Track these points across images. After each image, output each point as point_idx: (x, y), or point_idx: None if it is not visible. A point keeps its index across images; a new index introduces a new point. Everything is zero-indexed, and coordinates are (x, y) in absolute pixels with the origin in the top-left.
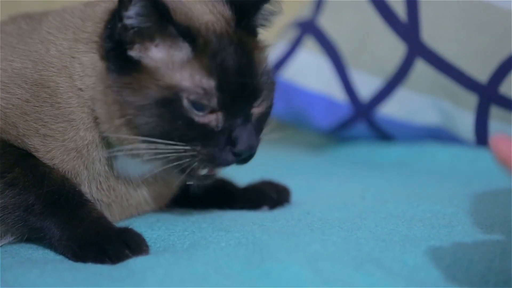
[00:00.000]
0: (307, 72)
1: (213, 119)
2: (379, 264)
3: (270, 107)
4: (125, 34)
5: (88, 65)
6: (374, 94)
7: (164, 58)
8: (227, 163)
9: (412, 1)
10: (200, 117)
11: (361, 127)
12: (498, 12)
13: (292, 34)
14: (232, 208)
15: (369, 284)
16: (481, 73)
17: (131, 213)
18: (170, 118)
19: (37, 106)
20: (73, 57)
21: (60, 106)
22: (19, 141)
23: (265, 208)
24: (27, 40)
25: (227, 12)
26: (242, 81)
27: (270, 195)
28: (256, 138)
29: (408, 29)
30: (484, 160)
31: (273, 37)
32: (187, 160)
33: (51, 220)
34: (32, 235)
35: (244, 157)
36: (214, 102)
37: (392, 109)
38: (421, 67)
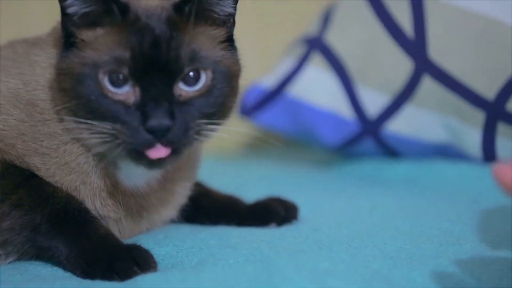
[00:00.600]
0: (314, 89)
1: (128, 96)
2: (387, 281)
3: (217, 97)
4: (70, 23)
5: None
6: (381, 110)
7: (88, 37)
8: (146, 142)
9: (419, 17)
10: (114, 94)
11: (368, 144)
12: (506, 29)
13: (299, 51)
14: (240, 224)
15: None
16: (488, 90)
17: (141, 227)
18: (86, 94)
19: (32, 126)
20: (51, 68)
21: (49, 124)
22: (20, 161)
23: (273, 225)
24: (20, 63)
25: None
26: (156, 55)
27: (277, 212)
28: (183, 119)
29: (415, 46)
30: (492, 177)
31: (280, 53)
32: (111, 140)
33: (58, 238)
34: (40, 255)
35: (160, 134)
36: (125, 70)
37: (399, 125)
38: (428, 84)
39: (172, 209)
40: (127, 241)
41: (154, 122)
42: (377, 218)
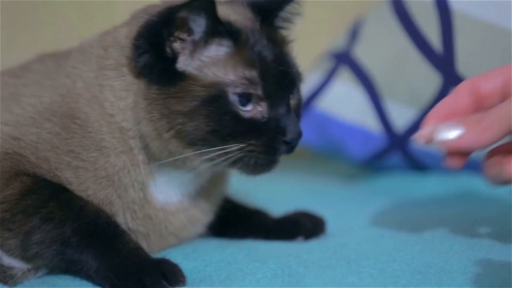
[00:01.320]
0: (342, 103)
1: (258, 112)
2: None
3: (301, 100)
4: (175, 49)
5: (120, 88)
6: (409, 124)
7: (209, 57)
8: (282, 152)
9: (447, 32)
10: (246, 112)
11: (396, 158)
12: None
13: (327, 65)
14: (267, 238)
15: None
16: None
17: (170, 242)
18: (217, 116)
19: (67, 139)
20: (101, 85)
21: (91, 136)
22: (51, 174)
23: (300, 238)
24: (53, 76)
25: (249, 13)
26: (281, 69)
27: (305, 226)
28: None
29: (443, 60)
30: None
31: (308, 68)
32: (246, 157)
33: (88, 252)
34: (69, 268)
35: (294, 145)
36: (260, 90)
37: None
38: None
39: (200, 226)
40: (156, 255)
41: (293, 134)
42: (405, 232)
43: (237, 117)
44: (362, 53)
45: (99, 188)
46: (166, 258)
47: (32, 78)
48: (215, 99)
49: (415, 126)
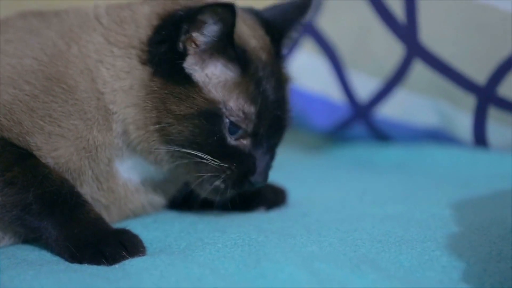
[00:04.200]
0: (306, 73)
1: (241, 144)
2: (375, 265)
3: (280, 139)
4: (187, 47)
5: (121, 69)
6: (373, 95)
7: (215, 75)
8: (241, 189)
9: (410, 2)
10: (231, 140)
11: (359, 128)
12: (497, 13)
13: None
14: (229, 209)
15: (364, 285)
16: (480, 75)
17: (128, 215)
18: (207, 131)
19: (46, 102)
20: (100, 61)
21: (77, 103)
22: (20, 139)
23: (262, 209)
24: (42, 33)
25: (264, 36)
26: (277, 115)
27: (266, 196)
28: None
29: (406, 30)
30: (483, 162)
31: None
32: (221, 177)
33: (48, 220)
34: (29, 235)
35: (253, 188)
36: (250, 127)
37: (391, 110)
38: (419, 68)
39: (159, 207)
40: (116, 225)
41: (259, 179)
42: (366, 202)
43: (223, 140)
44: (326, 24)
45: (75, 158)
46: (127, 228)
47: (15, 34)
48: (211, 115)
49: (379, 97)
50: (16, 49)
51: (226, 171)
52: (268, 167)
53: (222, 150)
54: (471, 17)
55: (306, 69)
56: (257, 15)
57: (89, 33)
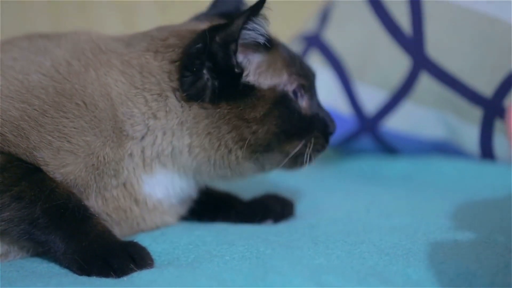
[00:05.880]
0: None
1: (306, 106)
2: (383, 278)
3: None
4: (238, 65)
5: (157, 109)
6: (379, 107)
7: (260, 64)
8: (328, 143)
9: (417, 14)
10: (302, 108)
11: (366, 141)
12: (503, 26)
13: (297, 48)
14: (237, 221)
15: None
16: (486, 87)
17: (141, 229)
18: (286, 115)
19: (55, 118)
20: (127, 98)
21: (93, 121)
22: (28, 154)
23: (269, 221)
24: (51, 52)
25: None
26: (306, 64)
27: (274, 209)
28: None
29: (413, 43)
30: (489, 174)
31: None
32: (309, 151)
33: (56, 233)
34: (37, 249)
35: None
36: (308, 81)
37: (397, 122)
38: (425, 81)
39: (170, 224)
40: (124, 238)
41: (334, 126)
42: (374, 214)
43: (300, 114)
44: (332, 36)
45: (83, 174)
46: (135, 241)
47: (21, 53)
48: (282, 99)
49: (385, 109)
50: (22, 66)
51: (311, 140)
52: (329, 114)
53: (304, 124)
54: (477, 30)
55: None
56: (212, 14)
57: (105, 67)
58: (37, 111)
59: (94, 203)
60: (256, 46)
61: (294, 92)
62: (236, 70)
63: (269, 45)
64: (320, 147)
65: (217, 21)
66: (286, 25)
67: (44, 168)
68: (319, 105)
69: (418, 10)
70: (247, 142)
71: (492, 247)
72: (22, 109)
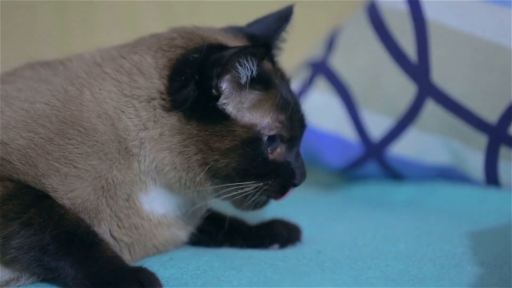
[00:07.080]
0: (319, 112)
1: (278, 154)
2: None
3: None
4: (220, 88)
5: (148, 119)
6: (385, 133)
7: (245, 101)
8: (284, 194)
9: (422, 42)
10: (270, 154)
11: (372, 166)
12: (507, 53)
13: (304, 74)
14: (244, 246)
15: None
16: (491, 114)
17: (151, 252)
18: (251, 157)
19: (61, 145)
20: (121, 111)
21: (95, 145)
22: (36, 181)
23: (276, 246)
24: (51, 81)
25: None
26: (300, 115)
27: (281, 234)
28: None
29: (418, 70)
30: (494, 200)
31: None
32: (259, 194)
33: (65, 259)
34: (46, 275)
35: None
36: (288, 133)
37: (403, 148)
38: (431, 107)
39: (180, 243)
40: (134, 263)
41: (301, 178)
42: (380, 240)
43: (265, 159)
44: (339, 63)
45: (92, 197)
46: (143, 266)
47: (25, 83)
48: (253, 141)
49: (391, 135)
50: (27, 96)
51: (266, 185)
52: (302, 165)
53: (264, 169)
54: (482, 56)
55: (319, 108)
56: (242, 31)
57: (99, 81)
58: (43, 139)
59: (107, 228)
60: (251, 82)
61: (270, 138)
62: (213, 91)
63: (263, 86)
64: (272, 194)
65: (239, 40)
66: (292, 52)
67: (52, 194)
68: (297, 156)
69: (424, 36)
70: (208, 167)
71: (498, 273)
72: (29, 138)
